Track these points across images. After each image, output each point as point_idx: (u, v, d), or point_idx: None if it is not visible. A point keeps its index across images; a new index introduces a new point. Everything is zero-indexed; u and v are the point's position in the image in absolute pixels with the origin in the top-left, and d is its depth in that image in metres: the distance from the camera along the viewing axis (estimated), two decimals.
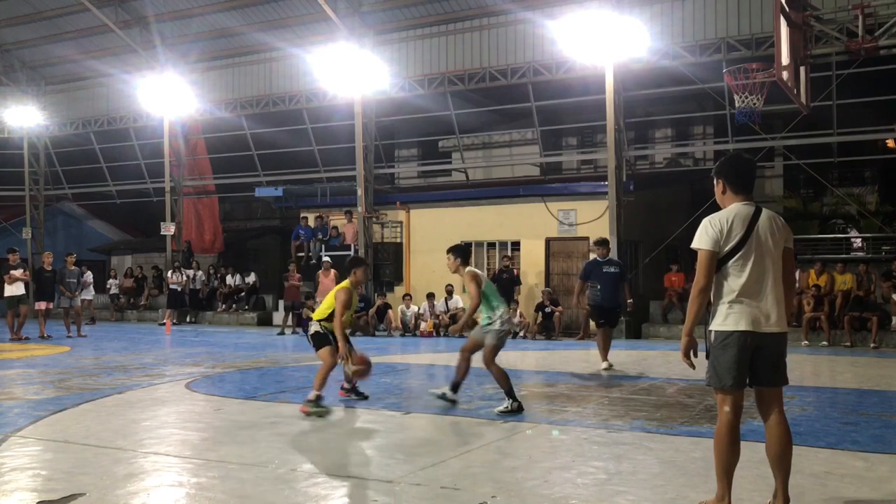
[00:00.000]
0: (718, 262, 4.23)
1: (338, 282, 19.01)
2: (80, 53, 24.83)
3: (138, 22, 23.12)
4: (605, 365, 11.05)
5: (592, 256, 11.84)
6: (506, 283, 18.24)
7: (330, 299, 7.89)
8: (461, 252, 7.98)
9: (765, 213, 4.31)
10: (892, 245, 21.35)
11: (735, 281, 4.20)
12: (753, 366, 4.22)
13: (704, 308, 4.26)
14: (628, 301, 11.67)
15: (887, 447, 6.08)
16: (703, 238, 4.25)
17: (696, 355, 4.28)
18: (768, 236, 4.24)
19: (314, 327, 7.92)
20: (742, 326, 4.16)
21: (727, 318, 4.20)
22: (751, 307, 4.17)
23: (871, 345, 14.80)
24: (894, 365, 12.13)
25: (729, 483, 4.22)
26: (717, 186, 4.45)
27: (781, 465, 4.21)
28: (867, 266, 16.62)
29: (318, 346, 7.82)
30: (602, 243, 11.73)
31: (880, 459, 5.67)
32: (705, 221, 4.28)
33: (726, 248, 4.20)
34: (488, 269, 20.00)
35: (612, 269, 11.41)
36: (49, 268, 17.96)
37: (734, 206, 4.31)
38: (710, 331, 4.26)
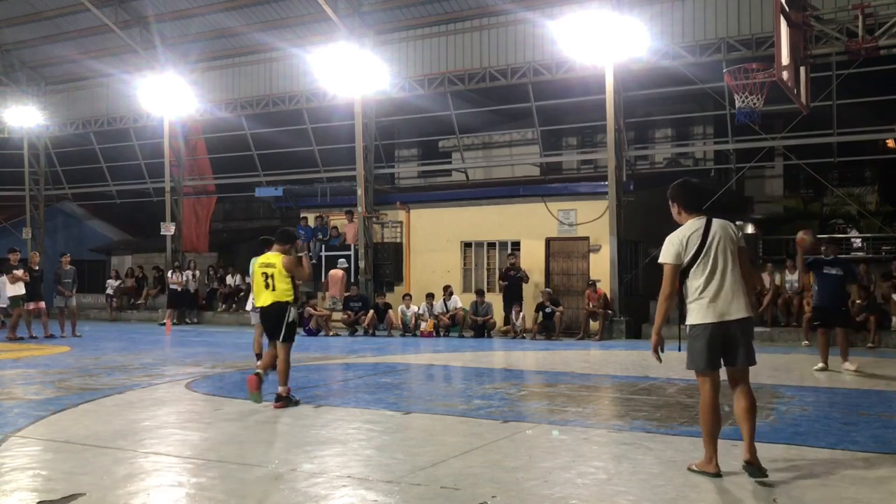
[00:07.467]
0: (684, 270, 5.03)
1: (339, 282, 19.23)
2: (80, 53, 24.81)
3: (138, 22, 23.11)
4: (819, 366, 10.75)
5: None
6: (514, 281, 18.15)
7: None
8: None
9: (716, 222, 5.08)
10: (892, 245, 21.38)
11: (699, 282, 5.01)
12: (725, 350, 5.03)
13: (672, 310, 5.15)
14: (856, 302, 11.20)
15: (887, 447, 6.07)
16: (667, 254, 5.07)
17: (663, 351, 5.15)
18: (722, 241, 5.02)
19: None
20: (709, 319, 4.98)
21: (696, 314, 5.03)
22: (714, 302, 4.97)
23: (870, 345, 14.78)
24: (894, 365, 12.12)
25: (714, 447, 5.05)
26: (673, 208, 5.21)
27: (747, 420, 4.98)
28: (867, 266, 16.61)
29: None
30: (831, 241, 11.39)
31: (880, 459, 5.67)
32: (668, 239, 5.08)
33: (688, 259, 5.01)
34: (488, 269, 20.02)
35: (835, 272, 10.88)
36: (36, 267, 17.51)
37: (689, 222, 5.12)
38: (685, 325, 5.09)
